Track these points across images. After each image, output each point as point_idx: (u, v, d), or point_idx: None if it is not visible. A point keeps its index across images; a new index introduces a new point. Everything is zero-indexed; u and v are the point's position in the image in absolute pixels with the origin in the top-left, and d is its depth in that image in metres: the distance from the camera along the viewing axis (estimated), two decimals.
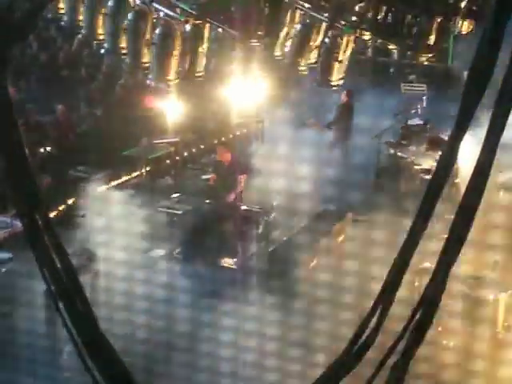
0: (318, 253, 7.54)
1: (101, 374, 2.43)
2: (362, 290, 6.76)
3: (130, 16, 5.69)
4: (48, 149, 12.18)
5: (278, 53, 6.15)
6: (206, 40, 5.63)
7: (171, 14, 5.39)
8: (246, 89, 14.29)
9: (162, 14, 5.51)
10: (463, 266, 7.01)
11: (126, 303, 8.19)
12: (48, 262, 2.68)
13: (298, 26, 5.95)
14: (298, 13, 5.93)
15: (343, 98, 13.50)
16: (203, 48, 5.60)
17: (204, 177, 12.36)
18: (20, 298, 8.47)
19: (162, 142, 13.19)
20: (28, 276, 8.13)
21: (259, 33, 5.08)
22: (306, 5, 5.87)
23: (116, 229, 10.20)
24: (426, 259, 5.75)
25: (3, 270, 9.19)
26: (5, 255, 9.39)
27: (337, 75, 6.17)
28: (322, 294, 7.37)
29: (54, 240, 2.74)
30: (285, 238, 7.85)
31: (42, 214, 2.72)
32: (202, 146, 14.04)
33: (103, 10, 5.95)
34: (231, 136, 14.07)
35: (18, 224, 9.38)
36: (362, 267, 7.71)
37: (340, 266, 7.99)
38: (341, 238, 9.05)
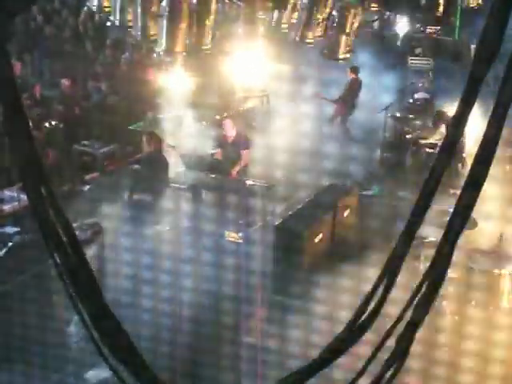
0: (323, 227, 7.55)
1: (105, 344, 2.47)
2: (367, 262, 6.79)
3: None
4: (53, 123, 12.16)
5: (284, 25, 6.07)
6: (212, 12, 5.57)
7: None
8: (250, 62, 14.19)
9: None
10: (469, 239, 7.01)
11: (131, 275, 8.25)
12: (53, 235, 2.69)
13: None
14: None
15: (349, 74, 13.43)
16: (210, 21, 5.53)
17: (209, 151, 12.34)
18: (28, 270, 8.56)
19: (168, 116, 13.15)
20: (35, 249, 8.21)
21: (267, 5, 5.00)
22: None
23: (121, 203, 10.25)
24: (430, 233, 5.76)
25: (10, 243, 9.25)
26: (12, 229, 9.44)
27: (344, 48, 6.10)
28: (326, 266, 7.41)
29: (59, 213, 2.76)
30: (290, 213, 7.85)
31: (47, 187, 2.73)
32: (206, 122, 13.98)
33: None
34: (236, 110, 14.01)
35: (25, 198, 9.43)
36: (366, 240, 7.74)
37: (345, 239, 8.02)
38: (346, 213, 9.05)
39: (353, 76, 13.45)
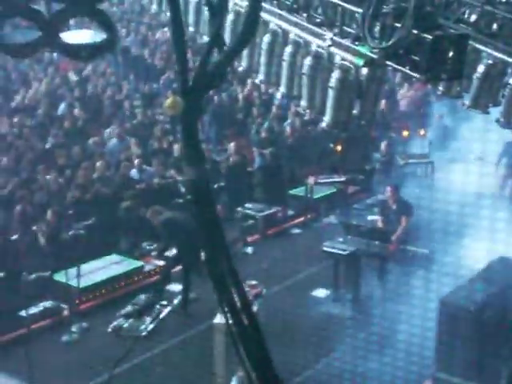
0: (492, 303, 7.11)
1: None
2: None
3: (307, 61, 5.80)
4: (221, 184, 12.77)
5: (457, 94, 5.96)
6: (383, 84, 5.62)
7: (349, 58, 5.42)
8: (416, 128, 14.08)
9: (339, 57, 5.56)
10: None
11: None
12: (227, 294, 2.80)
13: (481, 67, 5.73)
14: (481, 53, 5.73)
15: None
16: (379, 91, 5.58)
17: (369, 217, 12.22)
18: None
19: (327, 182, 13.30)
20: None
21: (443, 75, 4.94)
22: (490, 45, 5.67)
23: (281, 267, 10.39)
24: None
25: (175, 300, 9.68)
26: (177, 286, 9.89)
27: None
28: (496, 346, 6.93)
29: (234, 275, 2.87)
30: (458, 285, 7.48)
31: (225, 249, 2.87)
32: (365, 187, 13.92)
33: (280, 56, 6.13)
34: (398, 176, 13.85)
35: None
36: None
37: None
38: None
39: None
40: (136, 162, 12.57)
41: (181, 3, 7.14)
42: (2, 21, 2.60)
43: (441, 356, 7.04)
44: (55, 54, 16.45)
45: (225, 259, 2.74)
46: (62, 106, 14.78)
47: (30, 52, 2.71)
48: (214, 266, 2.70)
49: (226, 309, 2.93)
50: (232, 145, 13.75)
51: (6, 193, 11.25)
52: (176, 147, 13.37)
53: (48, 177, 11.69)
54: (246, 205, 12.76)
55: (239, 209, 12.56)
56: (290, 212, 13.12)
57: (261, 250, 11.63)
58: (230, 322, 2.95)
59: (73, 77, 16.35)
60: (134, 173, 12.47)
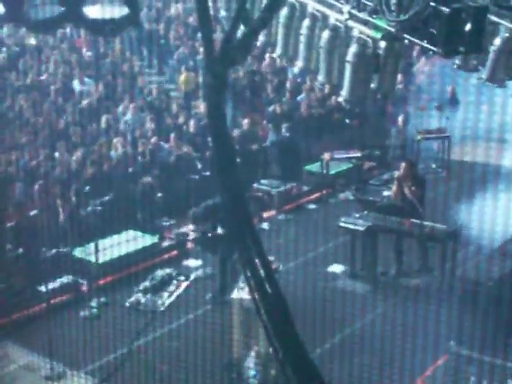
0: (509, 277, 7.09)
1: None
2: None
3: (324, 34, 5.75)
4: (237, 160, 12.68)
5: (474, 67, 5.88)
6: (401, 58, 5.56)
7: (367, 31, 5.37)
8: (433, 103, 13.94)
9: (357, 31, 5.51)
10: None
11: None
12: (252, 269, 2.81)
13: (498, 40, 5.64)
14: (499, 26, 5.63)
15: None
16: (396, 65, 5.52)
17: (385, 193, 12.16)
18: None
19: (343, 157, 13.25)
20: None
21: (461, 49, 4.87)
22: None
23: (297, 243, 10.38)
24: None
25: (193, 276, 9.76)
26: (195, 262, 9.97)
27: None
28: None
29: (260, 249, 2.88)
30: (475, 261, 7.44)
31: (250, 225, 2.87)
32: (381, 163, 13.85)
33: (298, 29, 6.08)
34: (414, 152, 13.77)
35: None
36: None
37: None
38: None
39: None
40: (153, 139, 12.57)
41: None
42: None
43: (459, 331, 7.05)
44: (68, 30, 16.39)
45: (248, 228, 2.74)
46: (76, 83, 14.78)
47: (54, 27, 2.70)
48: (238, 235, 2.70)
49: (250, 278, 2.93)
50: (246, 120, 13.70)
51: (29, 168, 11.38)
52: (191, 123, 13.35)
53: (66, 154, 11.77)
54: (262, 181, 12.74)
55: (254, 185, 12.54)
56: (306, 188, 13.09)
57: (276, 226, 11.64)
58: (255, 291, 2.93)
59: (87, 53, 16.31)
60: (149, 150, 12.48)
